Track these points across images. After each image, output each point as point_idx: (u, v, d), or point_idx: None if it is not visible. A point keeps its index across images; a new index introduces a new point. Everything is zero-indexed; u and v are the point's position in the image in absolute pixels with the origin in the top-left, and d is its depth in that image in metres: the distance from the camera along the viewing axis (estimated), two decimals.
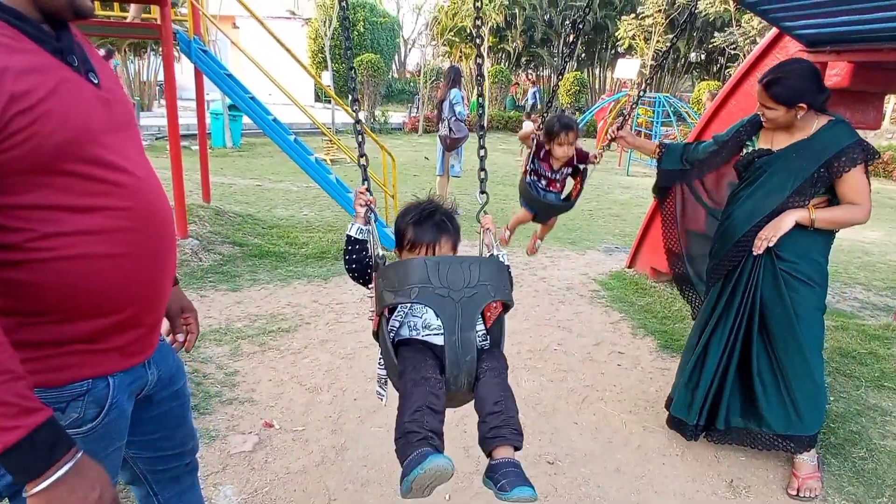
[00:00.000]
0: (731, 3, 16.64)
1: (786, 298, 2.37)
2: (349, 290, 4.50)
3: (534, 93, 20.10)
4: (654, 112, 13.25)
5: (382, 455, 2.58)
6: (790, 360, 2.41)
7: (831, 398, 3.07)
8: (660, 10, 19.84)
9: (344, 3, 1.78)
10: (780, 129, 2.39)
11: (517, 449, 1.34)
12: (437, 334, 1.48)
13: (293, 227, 6.23)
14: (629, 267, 5.31)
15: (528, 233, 6.81)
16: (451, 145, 7.10)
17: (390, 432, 2.71)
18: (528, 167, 2.91)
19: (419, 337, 1.53)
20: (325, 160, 8.32)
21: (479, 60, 1.84)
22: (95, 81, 1.08)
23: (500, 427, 1.34)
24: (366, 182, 1.66)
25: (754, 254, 2.35)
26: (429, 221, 1.54)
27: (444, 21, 20.11)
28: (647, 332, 4.04)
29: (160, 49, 13.98)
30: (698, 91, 19.36)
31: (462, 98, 7.15)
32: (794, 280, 2.37)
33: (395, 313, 1.54)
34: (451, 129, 6.95)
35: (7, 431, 0.87)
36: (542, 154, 2.86)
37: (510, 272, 1.56)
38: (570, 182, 3.09)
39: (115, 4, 5.64)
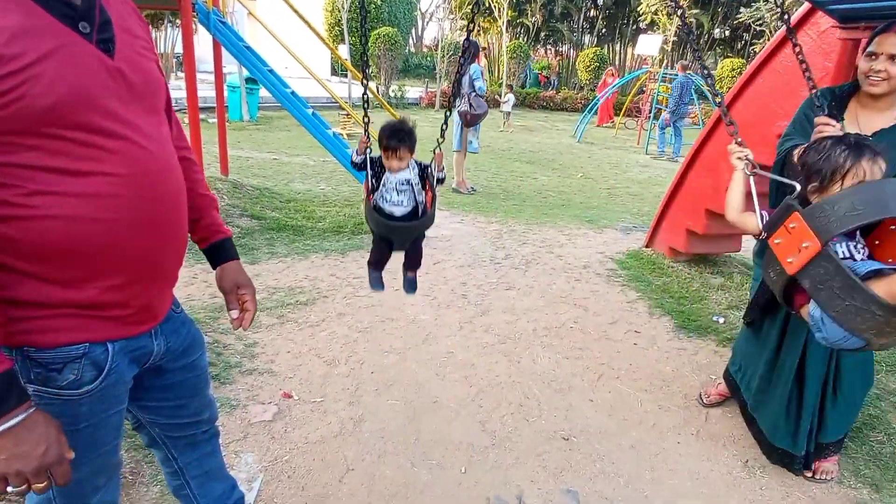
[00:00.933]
0: None
1: None
2: (366, 265, 4.52)
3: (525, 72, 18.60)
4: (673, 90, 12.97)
5: (398, 427, 2.62)
6: (852, 362, 2.29)
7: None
8: None
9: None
10: (866, 109, 2.17)
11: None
12: (396, 206, 2.22)
13: (310, 201, 6.25)
14: (647, 246, 5.27)
15: (545, 210, 6.77)
16: (472, 121, 7.02)
17: (406, 405, 2.77)
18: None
19: (385, 206, 2.22)
20: (342, 134, 8.30)
21: (470, 26, 2.23)
22: (110, 50, 1.08)
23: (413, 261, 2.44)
24: (367, 134, 2.19)
25: None
26: (395, 136, 2.13)
27: None
28: (664, 311, 4.02)
29: (178, 20, 13.93)
30: (721, 68, 18.94)
31: (481, 73, 7.07)
32: None
33: (379, 191, 2.23)
34: (471, 105, 6.87)
35: None
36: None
37: (442, 180, 2.25)
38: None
39: None
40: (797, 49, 2.14)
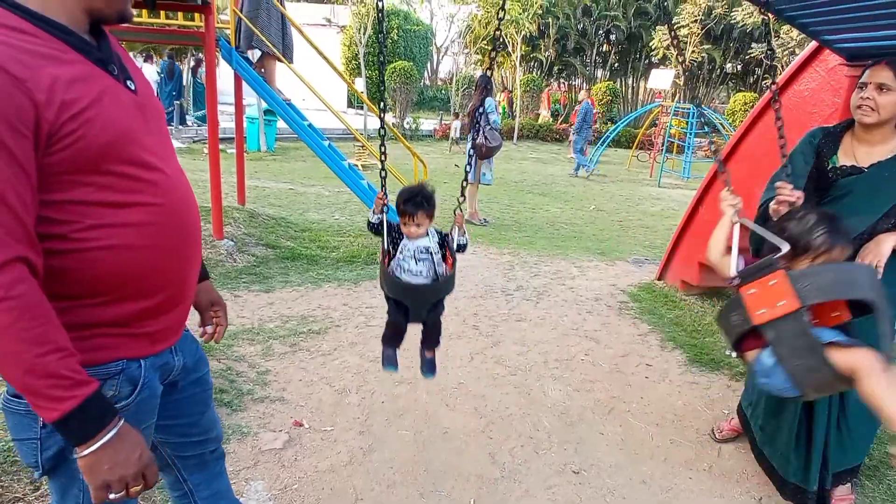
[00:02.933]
0: (769, 14, 16.39)
1: (862, 328, 2.26)
2: (378, 295, 4.55)
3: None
4: (687, 123, 13.09)
5: (408, 458, 2.62)
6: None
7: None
8: (695, 21, 19.63)
9: (381, 15, 2.03)
10: (862, 143, 2.22)
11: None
12: (414, 277, 2.08)
13: (325, 231, 6.34)
14: (659, 279, 5.27)
15: (557, 242, 6.80)
16: (487, 154, 7.12)
17: (416, 436, 2.77)
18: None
19: (402, 276, 2.08)
20: (357, 165, 8.44)
21: (493, 54, 2.16)
22: (133, 88, 1.18)
23: (431, 338, 2.25)
24: (384, 189, 2.11)
25: None
26: (412, 201, 2.01)
27: (478, 30, 20.23)
28: (676, 345, 4.00)
29: (200, 55, 14.35)
30: (734, 102, 19.07)
31: (495, 107, 7.20)
32: None
33: (395, 260, 2.09)
34: (486, 138, 6.98)
35: (64, 401, 0.99)
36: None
37: (464, 247, 2.12)
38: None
39: (161, 12, 5.84)
40: (777, 105, 2.22)
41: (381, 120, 2.15)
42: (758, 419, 2.56)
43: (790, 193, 2.06)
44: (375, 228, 2.13)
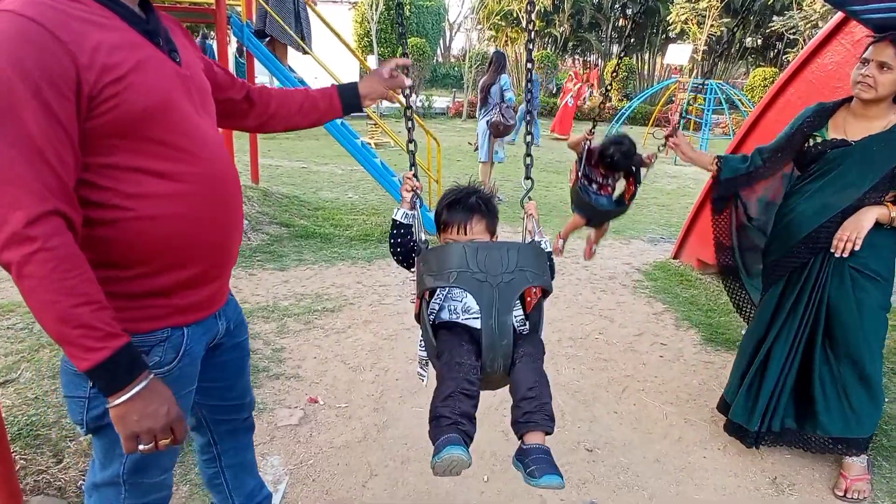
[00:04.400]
0: None
1: (851, 298, 2.25)
2: (392, 273, 4.57)
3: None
4: (705, 99, 12.84)
5: (422, 434, 2.61)
6: (850, 361, 2.32)
7: (886, 399, 2.97)
8: None
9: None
10: (857, 117, 2.24)
11: (548, 434, 1.37)
12: (476, 318, 1.47)
13: (338, 210, 6.34)
14: (674, 258, 5.21)
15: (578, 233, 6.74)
16: (504, 132, 7.04)
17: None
18: (578, 173, 2.77)
19: (458, 320, 1.55)
20: (370, 144, 8.40)
21: (529, 45, 1.75)
22: (177, 60, 1.21)
23: (532, 412, 1.36)
24: (413, 168, 1.67)
25: (836, 255, 2.22)
26: (462, 203, 1.58)
27: (491, 5, 19.90)
28: (691, 324, 3.97)
29: (212, 33, 14.29)
30: (753, 78, 18.67)
31: (510, 84, 7.09)
32: (862, 277, 2.24)
33: (435, 296, 1.57)
34: (503, 116, 6.90)
35: (96, 351, 1.03)
36: (593, 160, 2.74)
37: (552, 259, 1.57)
38: (620, 184, 2.97)
39: None
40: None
41: (406, 100, 1.75)
42: (730, 385, 2.68)
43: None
44: (402, 238, 1.57)
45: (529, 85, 1.78)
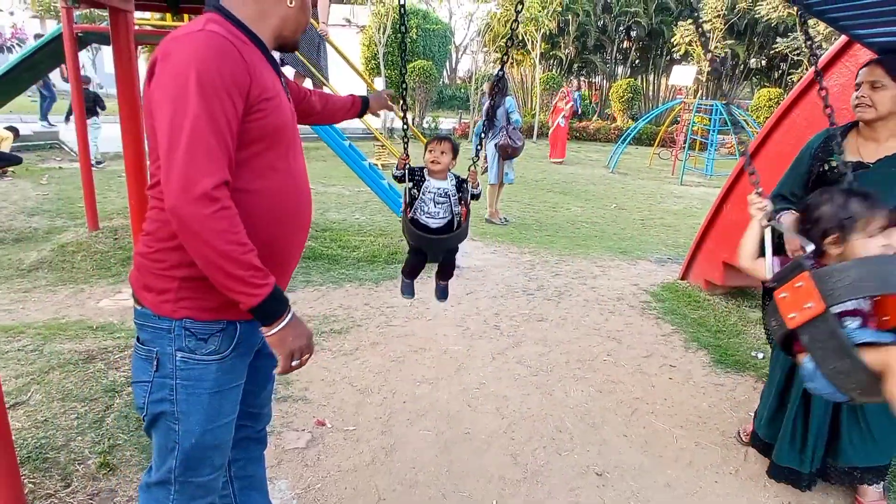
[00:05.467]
0: (794, 8, 16.10)
1: None
2: (399, 295, 4.56)
3: (575, 99, 19.04)
4: (710, 120, 12.89)
5: (430, 458, 2.62)
6: None
7: None
8: (718, 16, 19.34)
9: (403, 13, 2.26)
10: (868, 140, 2.27)
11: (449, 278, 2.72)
12: (431, 218, 2.44)
13: (345, 231, 6.38)
14: (682, 278, 5.20)
15: (578, 241, 6.75)
16: (511, 154, 7.09)
17: (438, 436, 2.77)
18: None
19: (420, 218, 2.44)
20: (378, 165, 8.47)
21: (508, 42, 2.32)
22: (289, 97, 1.52)
23: (445, 272, 2.73)
24: (406, 151, 2.39)
25: None
26: (437, 137, 2.43)
27: (497, 28, 20.16)
28: (700, 345, 3.94)
29: None
30: (758, 98, 18.75)
31: (516, 106, 7.16)
32: None
33: (417, 203, 2.43)
34: (510, 138, 6.95)
35: (263, 287, 1.28)
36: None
37: (478, 195, 2.47)
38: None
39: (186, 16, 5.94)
40: (823, 93, 2.25)
41: (404, 120, 2.43)
42: (761, 418, 2.62)
43: (756, 202, 1.95)
44: (399, 178, 2.41)
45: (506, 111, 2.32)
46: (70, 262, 4.98)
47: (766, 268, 1.83)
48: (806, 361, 1.76)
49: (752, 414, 3.08)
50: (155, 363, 1.40)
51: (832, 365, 1.64)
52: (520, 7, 2.22)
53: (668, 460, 2.71)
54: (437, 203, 2.40)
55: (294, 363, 1.38)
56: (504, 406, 3.10)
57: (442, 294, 2.75)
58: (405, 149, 2.42)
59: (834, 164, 2.33)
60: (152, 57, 1.30)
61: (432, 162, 2.39)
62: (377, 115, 2.28)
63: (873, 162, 2.24)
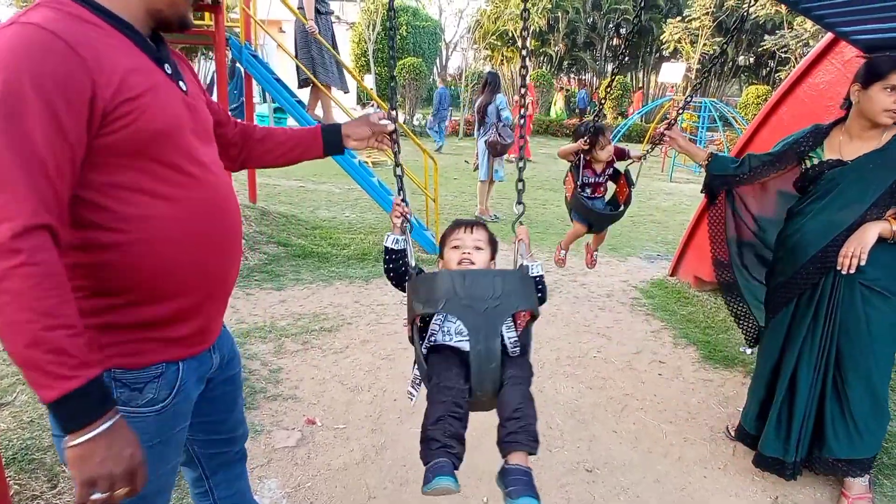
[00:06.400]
0: (782, 6, 16.23)
1: (861, 314, 2.26)
2: (389, 292, 4.56)
3: (582, 97, 19.65)
4: (699, 117, 12.96)
5: None
6: (858, 379, 2.31)
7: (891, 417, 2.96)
8: (707, 13, 19.43)
9: (392, 13, 1.80)
10: (853, 138, 2.28)
11: (531, 454, 1.40)
12: (467, 340, 1.46)
13: (335, 229, 6.35)
14: (672, 275, 5.23)
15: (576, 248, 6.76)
16: (501, 151, 7.09)
17: None
18: (576, 182, 3.15)
19: (450, 342, 1.56)
20: (368, 163, 8.44)
21: (522, 71, 1.77)
22: (184, 89, 1.23)
23: (516, 433, 1.39)
24: (401, 192, 1.69)
25: (843, 272, 2.23)
26: (463, 223, 1.67)
27: (487, 25, 20.15)
28: (690, 341, 3.97)
29: (211, 54, 14.43)
30: (746, 95, 18.87)
31: (507, 103, 7.16)
32: (873, 295, 2.25)
33: (434, 319, 1.58)
34: (500, 135, 6.95)
35: (67, 380, 0.95)
36: (582, 163, 3.15)
37: (542, 282, 1.59)
38: (611, 187, 3.24)
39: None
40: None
41: (394, 121, 1.71)
42: (748, 409, 2.67)
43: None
44: (395, 263, 1.58)
45: (523, 110, 1.79)
46: None
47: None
48: None
49: (741, 409, 3.11)
50: None
51: None
52: (526, 15, 1.84)
53: (658, 456, 2.73)
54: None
55: (94, 497, 1.01)
56: None
57: (524, 491, 1.29)
58: (399, 188, 1.68)
59: (815, 160, 2.36)
60: None
61: (460, 263, 1.56)
62: (358, 149, 1.76)
63: (853, 160, 2.26)
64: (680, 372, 3.57)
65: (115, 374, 1.15)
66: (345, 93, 6.44)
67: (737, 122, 13.16)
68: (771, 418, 2.49)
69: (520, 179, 1.72)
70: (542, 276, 1.59)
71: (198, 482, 1.65)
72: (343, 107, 6.32)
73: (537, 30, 21.03)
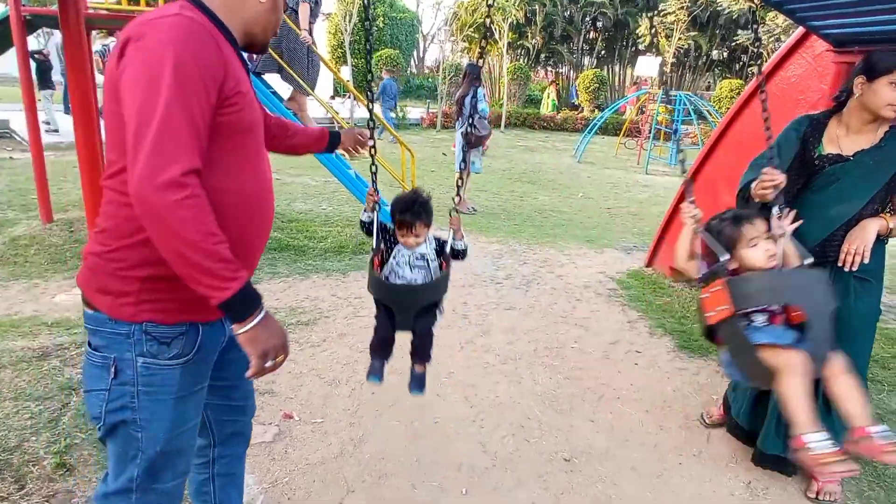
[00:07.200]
0: (755, 0, 16.46)
1: (851, 308, 2.28)
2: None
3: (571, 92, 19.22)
4: (674, 110, 13.11)
5: (399, 449, 2.61)
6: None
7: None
8: (682, 7, 19.64)
9: (368, 4, 2.05)
10: (850, 132, 2.28)
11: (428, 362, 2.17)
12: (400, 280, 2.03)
13: (312, 221, 6.29)
14: (647, 266, 5.29)
15: (545, 230, 6.80)
16: (476, 142, 7.08)
17: (407, 427, 2.76)
18: None
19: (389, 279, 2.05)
20: (344, 155, 8.36)
21: (480, 61, 1.95)
22: (257, 96, 1.49)
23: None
24: (374, 185, 2.07)
25: (845, 269, 2.26)
26: (409, 212, 1.95)
27: (464, 17, 20.09)
28: (665, 331, 4.02)
29: None
30: (720, 89, 19.14)
31: (484, 95, 7.15)
32: (860, 282, 2.29)
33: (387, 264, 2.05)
34: (474, 126, 6.94)
35: (234, 280, 1.21)
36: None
37: (464, 252, 2.11)
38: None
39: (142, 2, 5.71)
40: (763, 96, 2.25)
41: (370, 111, 2.11)
42: (740, 404, 2.67)
43: (774, 176, 2.10)
44: (367, 228, 2.04)
45: (474, 100, 2.00)
46: (23, 255, 4.79)
47: (696, 270, 2.09)
48: (723, 352, 2.07)
49: (715, 397, 3.16)
50: (112, 370, 1.33)
51: (738, 359, 1.97)
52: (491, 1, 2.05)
53: (634, 444, 2.76)
54: (414, 268, 2.01)
55: (268, 364, 1.30)
56: (472, 395, 3.10)
57: (417, 384, 2.15)
58: (373, 180, 2.06)
59: (817, 154, 2.34)
60: (121, 38, 1.22)
61: (404, 243, 2.00)
62: (348, 152, 2.11)
63: (851, 155, 2.26)
64: (656, 361, 3.61)
65: (146, 327, 1.32)
66: (305, 95, 6.32)
67: (710, 115, 13.34)
68: (771, 417, 2.47)
69: (460, 170, 2.09)
70: (465, 250, 2.09)
71: (203, 451, 1.73)
72: (319, 98, 6.24)
73: (514, 22, 21.02)
